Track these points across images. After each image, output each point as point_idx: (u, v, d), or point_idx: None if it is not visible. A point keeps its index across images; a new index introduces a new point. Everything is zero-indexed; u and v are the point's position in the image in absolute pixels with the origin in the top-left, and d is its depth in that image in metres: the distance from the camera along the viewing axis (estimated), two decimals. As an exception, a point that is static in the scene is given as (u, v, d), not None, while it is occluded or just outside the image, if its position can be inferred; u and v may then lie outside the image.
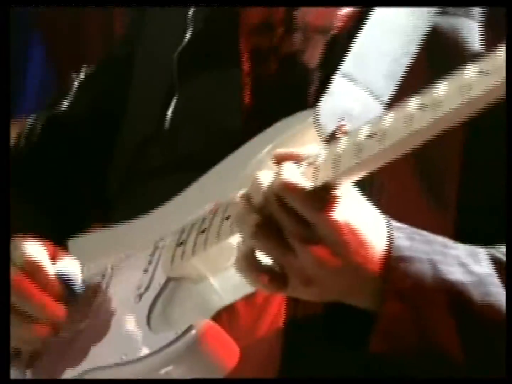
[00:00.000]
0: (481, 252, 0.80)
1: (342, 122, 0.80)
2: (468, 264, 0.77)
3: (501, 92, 0.54)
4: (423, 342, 0.76)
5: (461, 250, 0.79)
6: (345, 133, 0.76)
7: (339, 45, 0.90)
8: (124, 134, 1.07)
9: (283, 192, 0.67)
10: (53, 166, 1.14)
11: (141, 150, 1.01)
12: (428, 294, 0.75)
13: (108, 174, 1.08)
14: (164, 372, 0.78)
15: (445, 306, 0.75)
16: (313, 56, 0.91)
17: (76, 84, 1.15)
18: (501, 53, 0.55)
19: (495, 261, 0.79)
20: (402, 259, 0.74)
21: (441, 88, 0.58)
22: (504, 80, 0.53)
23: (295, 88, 0.91)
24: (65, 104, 1.15)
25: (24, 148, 1.16)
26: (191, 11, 0.99)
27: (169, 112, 0.96)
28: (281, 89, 0.92)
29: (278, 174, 0.68)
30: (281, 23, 0.94)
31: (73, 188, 1.14)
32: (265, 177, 0.70)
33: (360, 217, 0.71)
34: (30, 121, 1.18)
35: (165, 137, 0.97)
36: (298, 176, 0.68)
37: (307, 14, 0.93)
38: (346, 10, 0.91)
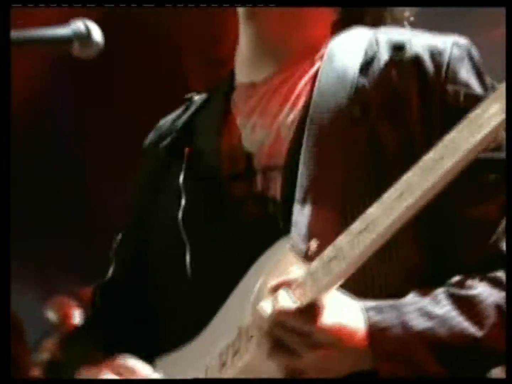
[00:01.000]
0: (440, 293, 1.06)
1: (311, 243, 1.04)
2: (430, 311, 1.04)
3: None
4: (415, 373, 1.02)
5: (422, 300, 1.05)
6: (313, 251, 1.02)
7: (288, 177, 1.17)
8: (154, 287, 1.36)
9: (281, 318, 0.95)
10: (115, 319, 1.42)
11: (171, 294, 1.29)
12: (406, 345, 1.02)
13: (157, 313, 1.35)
14: None
15: (422, 349, 1.02)
16: (276, 190, 1.19)
17: (112, 254, 1.45)
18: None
19: (452, 296, 1.06)
20: (379, 330, 1.01)
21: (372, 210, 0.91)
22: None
23: (269, 219, 1.18)
24: (109, 272, 1.44)
25: (92, 313, 1.52)
26: (181, 178, 1.27)
27: (188, 264, 1.22)
28: (259, 222, 1.19)
29: (274, 304, 0.95)
30: (247, 170, 1.24)
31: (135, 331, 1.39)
32: (266, 308, 0.96)
33: (343, 314, 1.00)
34: (93, 291, 1.50)
35: (188, 283, 1.23)
36: (289, 302, 0.95)
37: (262, 158, 1.24)
38: (285, 147, 1.21)
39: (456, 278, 1.10)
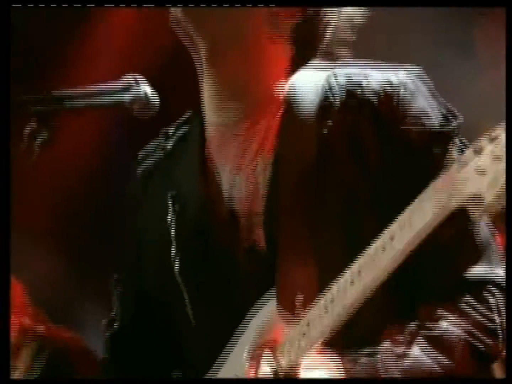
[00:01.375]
0: (409, 335, 1.16)
1: (298, 296, 1.14)
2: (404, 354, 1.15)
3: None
4: None
5: (390, 346, 1.15)
6: (299, 307, 1.13)
7: (268, 224, 1.27)
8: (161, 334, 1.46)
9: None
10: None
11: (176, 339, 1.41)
12: None
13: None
14: None
15: None
16: (260, 236, 1.27)
17: (116, 299, 1.55)
18: None
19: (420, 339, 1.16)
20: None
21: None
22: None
23: (258, 269, 1.27)
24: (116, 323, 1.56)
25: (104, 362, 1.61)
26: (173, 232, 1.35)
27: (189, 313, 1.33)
28: (250, 271, 1.29)
29: (257, 367, 1.10)
30: (231, 217, 1.32)
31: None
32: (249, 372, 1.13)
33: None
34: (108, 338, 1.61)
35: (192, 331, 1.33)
36: (268, 367, 1.10)
37: (242, 204, 1.31)
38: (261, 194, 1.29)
39: (423, 311, 1.20)
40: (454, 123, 1.27)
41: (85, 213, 5.62)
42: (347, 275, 1.04)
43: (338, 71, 1.37)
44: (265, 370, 1.09)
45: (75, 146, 3.54)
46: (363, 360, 1.13)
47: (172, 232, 1.36)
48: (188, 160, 1.42)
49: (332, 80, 1.34)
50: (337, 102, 1.30)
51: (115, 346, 1.57)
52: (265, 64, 1.39)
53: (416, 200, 0.99)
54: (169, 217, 1.37)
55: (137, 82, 1.28)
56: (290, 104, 1.35)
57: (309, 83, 1.37)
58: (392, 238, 0.99)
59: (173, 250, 1.34)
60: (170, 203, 1.37)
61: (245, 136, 1.35)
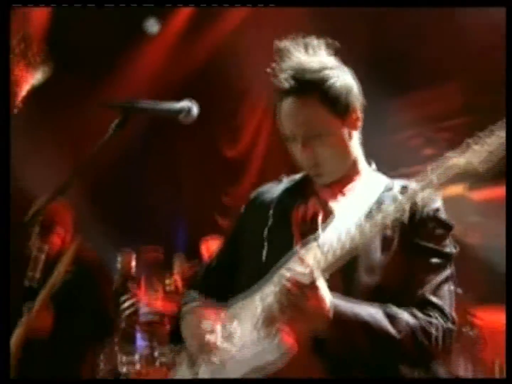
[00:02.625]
0: (379, 307, 1.65)
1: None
2: (370, 312, 1.63)
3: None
4: (351, 344, 1.61)
5: (367, 307, 1.64)
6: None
7: None
8: (243, 263, 1.99)
9: (297, 280, 1.57)
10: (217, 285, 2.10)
11: (251, 268, 1.91)
12: (353, 326, 1.60)
13: (238, 281, 1.97)
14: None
15: (359, 328, 1.60)
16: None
17: (218, 249, 2.22)
18: None
19: (386, 312, 1.65)
20: (340, 313, 1.59)
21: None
22: None
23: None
24: (213, 261, 2.19)
25: (198, 279, 2.26)
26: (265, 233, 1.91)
27: (264, 256, 1.86)
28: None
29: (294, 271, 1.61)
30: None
31: (223, 295, 1.96)
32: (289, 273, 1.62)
33: (325, 292, 1.60)
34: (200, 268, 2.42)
35: (262, 267, 1.81)
36: (302, 269, 1.58)
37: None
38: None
39: (391, 307, 1.69)
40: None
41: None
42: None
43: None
44: (300, 269, 1.58)
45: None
46: (346, 302, 1.65)
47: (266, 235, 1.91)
48: (292, 201, 1.96)
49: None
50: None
51: (216, 270, 2.15)
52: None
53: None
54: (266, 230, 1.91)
55: (190, 106, 1.90)
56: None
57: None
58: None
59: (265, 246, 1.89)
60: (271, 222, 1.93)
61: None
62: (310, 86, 1.80)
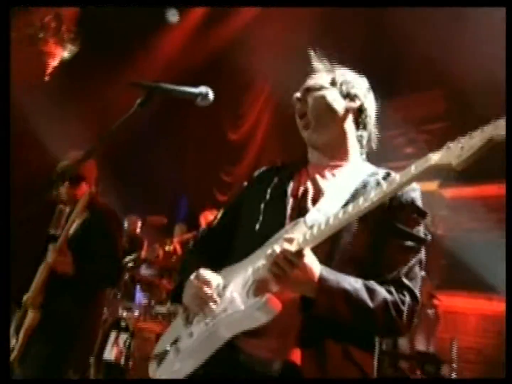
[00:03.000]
0: (359, 279, 1.66)
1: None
2: (351, 283, 1.63)
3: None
4: (334, 311, 1.61)
5: (350, 278, 1.64)
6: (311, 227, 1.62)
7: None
8: (240, 229, 1.97)
9: (286, 253, 1.55)
10: (209, 251, 2.08)
11: (246, 235, 1.90)
12: (334, 291, 1.60)
13: (234, 246, 1.95)
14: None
15: (341, 296, 1.60)
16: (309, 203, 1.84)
17: (220, 214, 2.17)
18: None
19: (365, 285, 1.65)
20: (325, 280, 1.60)
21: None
22: None
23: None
24: (214, 223, 2.15)
25: (193, 244, 2.22)
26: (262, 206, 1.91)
27: (259, 220, 1.86)
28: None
29: (283, 246, 1.57)
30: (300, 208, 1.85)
31: (218, 258, 1.98)
32: (278, 248, 1.58)
33: (314, 262, 1.60)
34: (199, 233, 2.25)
35: (255, 234, 1.83)
36: (291, 246, 1.56)
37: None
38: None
39: (372, 281, 1.69)
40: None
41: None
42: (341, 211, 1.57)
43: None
44: (288, 246, 1.56)
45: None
46: (333, 273, 1.65)
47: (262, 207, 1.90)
48: (288, 181, 1.95)
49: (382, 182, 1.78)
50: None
51: (210, 234, 2.13)
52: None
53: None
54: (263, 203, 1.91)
55: (207, 91, 1.96)
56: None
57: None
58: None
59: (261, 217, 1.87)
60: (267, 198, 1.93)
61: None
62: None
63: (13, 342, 3.08)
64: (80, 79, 7.74)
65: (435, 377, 5.21)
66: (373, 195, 1.52)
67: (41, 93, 7.82)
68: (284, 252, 1.54)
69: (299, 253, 1.55)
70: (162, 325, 5.01)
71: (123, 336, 4.97)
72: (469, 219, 6.84)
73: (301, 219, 1.69)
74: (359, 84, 2.00)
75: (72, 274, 3.08)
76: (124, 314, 5.31)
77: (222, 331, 1.67)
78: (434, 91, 7.25)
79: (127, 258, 5.95)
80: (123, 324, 5.11)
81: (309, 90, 1.97)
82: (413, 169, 1.45)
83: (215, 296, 1.73)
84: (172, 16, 8.49)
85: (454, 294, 6.52)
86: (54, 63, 8.37)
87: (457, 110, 6.82)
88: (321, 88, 1.96)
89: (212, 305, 1.72)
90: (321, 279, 1.59)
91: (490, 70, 5.52)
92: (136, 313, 5.41)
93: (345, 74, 2.01)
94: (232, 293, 1.71)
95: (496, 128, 1.32)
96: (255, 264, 1.70)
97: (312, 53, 2.06)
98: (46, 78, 8.26)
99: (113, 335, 5.05)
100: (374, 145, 2.04)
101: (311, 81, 2.00)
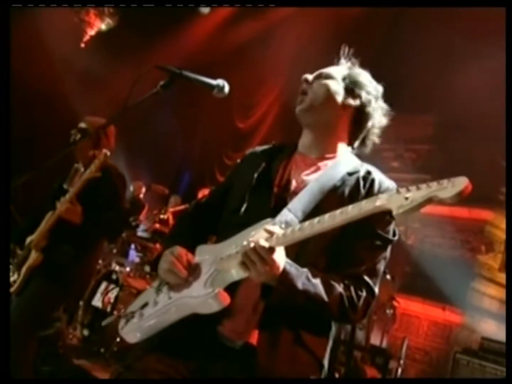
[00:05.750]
0: (320, 274, 1.61)
1: (281, 226, 1.59)
2: (309, 277, 1.59)
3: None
4: (291, 300, 1.58)
5: (309, 272, 1.59)
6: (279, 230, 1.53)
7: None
8: (226, 209, 1.89)
9: (258, 247, 1.47)
10: (198, 221, 2.02)
11: (229, 217, 1.83)
12: (294, 284, 1.55)
13: (219, 222, 1.89)
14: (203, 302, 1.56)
15: (299, 288, 1.55)
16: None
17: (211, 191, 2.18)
18: None
19: (323, 278, 1.61)
20: (287, 272, 1.54)
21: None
22: None
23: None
24: (204, 199, 2.10)
25: (183, 216, 2.18)
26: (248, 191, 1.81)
27: (244, 206, 1.77)
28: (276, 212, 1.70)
29: (257, 240, 1.49)
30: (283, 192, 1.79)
31: (203, 232, 1.99)
32: (252, 241, 1.50)
33: (281, 258, 1.52)
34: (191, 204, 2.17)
35: (239, 217, 1.76)
36: (265, 242, 1.48)
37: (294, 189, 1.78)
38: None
39: (332, 275, 1.65)
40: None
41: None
42: (316, 219, 1.47)
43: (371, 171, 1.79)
44: (262, 242, 1.48)
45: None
46: (295, 268, 1.59)
47: (249, 192, 1.80)
48: (278, 165, 1.87)
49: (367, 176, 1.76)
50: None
51: (197, 208, 2.07)
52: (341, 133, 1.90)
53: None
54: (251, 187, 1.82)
55: (224, 84, 1.95)
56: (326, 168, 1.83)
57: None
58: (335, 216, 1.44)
59: (246, 198, 1.79)
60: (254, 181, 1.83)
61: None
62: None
63: (14, 277, 3.10)
64: (112, 52, 7.69)
65: (383, 369, 5.29)
66: (332, 219, 1.44)
67: (75, 58, 7.78)
68: (258, 247, 1.47)
69: (271, 250, 1.48)
70: (148, 284, 5.02)
71: (112, 288, 4.99)
72: (437, 235, 6.88)
73: (270, 220, 1.62)
74: (368, 88, 1.90)
75: (79, 224, 3.09)
76: (117, 268, 5.31)
77: (176, 310, 1.65)
78: (426, 116, 7.25)
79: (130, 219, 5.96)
80: (114, 276, 5.12)
81: (320, 76, 1.90)
82: (363, 204, 1.38)
83: (184, 273, 1.68)
84: (204, 8, 8.42)
85: (412, 299, 6.58)
86: (91, 32, 8.32)
87: (444, 138, 6.83)
88: (329, 77, 1.88)
89: (180, 281, 1.69)
90: (283, 272, 1.54)
91: (484, 113, 5.54)
92: (128, 269, 5.41)
93: (360, 75, 1.91)
94: (195, 277, 1.67)
95: (440, 189, 1.25)
96: (221, 254, 1.65)
97: (343, 49, 1.96)
98: (82, 45, 8.22)
99: (103, 285, 5.06)
100: (367, 151, 1.96)
101: (326, 69, 1.92)
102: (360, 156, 1.95)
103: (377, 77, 1.94)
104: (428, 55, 6.66)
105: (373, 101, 1.90)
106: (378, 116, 1.93)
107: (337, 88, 1.86)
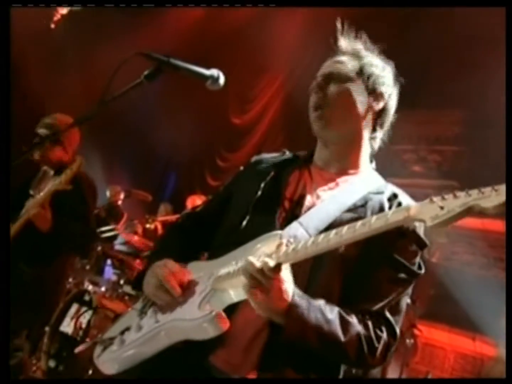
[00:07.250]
0: (335, 309, 1.57)
1: (290, 240, 1.53)
2: (325, 314, 1.54)
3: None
4: (303, 341, 1.52)
5: (326, 306, 1.55)
6: (287, 245, 1.47)
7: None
8: (223, 223, 1.88)
9: (264, 267, 1.42)
10: (189, 235, 2.02)
11: (226, 233, 1.82)
12: (305, 322, 1.50)
13: (215, 238, 1.87)
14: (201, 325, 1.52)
15: (312, 329, 1.50)
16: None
17: (209, 199, 2.19)
18: None
19: (339, 314, 1.56)
20: (295, 306, 1.49)
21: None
22: None
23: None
24: (201, 207, 2.10)
25: (172, 227, 2.22)
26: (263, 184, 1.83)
27: (245, 220, 1.75)
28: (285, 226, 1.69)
29: (263, 260, 1.44)
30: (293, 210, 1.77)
31: (195, 247, 1.98)
32: (255, 260, 1.44)
33: (289, 284, 1.48)
34: (182, 215, 2.20)
35: (239, 232, 1.73)
36: (271, 261, 1.42)
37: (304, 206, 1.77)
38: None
39: (347, 309, 1.60)
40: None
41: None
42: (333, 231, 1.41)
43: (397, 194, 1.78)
44: (268, 261, 1.43)
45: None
46: (305, 299, 1.54)
47: (253, 203, 1.79)
48: (290, 175, 1.87)
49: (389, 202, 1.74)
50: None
51: (191, 219, 2.08)
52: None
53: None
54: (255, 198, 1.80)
55: (218, 74, 1.90)
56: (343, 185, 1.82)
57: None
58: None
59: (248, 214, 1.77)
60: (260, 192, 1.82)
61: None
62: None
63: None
64: (86, 34, 7.68)
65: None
66: (374, 218, 1.38)
67: (43, 39, 7.78)
68: (265, 268, 1.42)
69: (278, 267, 1.44)
70: (127, 306, 4.99)
71: (84, 310, 4.96)
72: (466, 252, 6.87)
73: (278, 233, 1.59)
74: (387, 79, 1.87)
75: (47, 231, 3.12)
76: (90, 287, 5.28)
77: (165, 335, 1.62)
78: (454, 113, 7.24)
79: (103, 228, 5.93)
80: (86, 297, 5.08)
81: (332, 78, 1.83)
82: (389, 215, 1.32)
83: (178, 291, 1.65)
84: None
85: (436, 326, 6.55)
86: (62, 10, 8.32)
87: (473, 137, 6.82)
88: (346, 79, 1.82)
89: (170, 301, 1.66)
90: (292, 305, 1.49)
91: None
92: (103, 288, 5.38)
93: (373, 63, 1.86)
94: (188, 297, 1.65)
95: (482, 198, 1.20)
96: (219, 271, 1.63)
97: (339, 27, 1.91)
98: (52, 26, 8.20)
99: (74, 307, 5.02)
100: (376, 146, 1.93)
101: (335, 68, 1.85)
102: (375, 156, 1.94)
103: (400, 63, 1.91)
104: (455, 44, 6.67)
105: (393, 91, 1.89)
106: (395, 102, 1.92)
107: (359, 90, 1.82)
